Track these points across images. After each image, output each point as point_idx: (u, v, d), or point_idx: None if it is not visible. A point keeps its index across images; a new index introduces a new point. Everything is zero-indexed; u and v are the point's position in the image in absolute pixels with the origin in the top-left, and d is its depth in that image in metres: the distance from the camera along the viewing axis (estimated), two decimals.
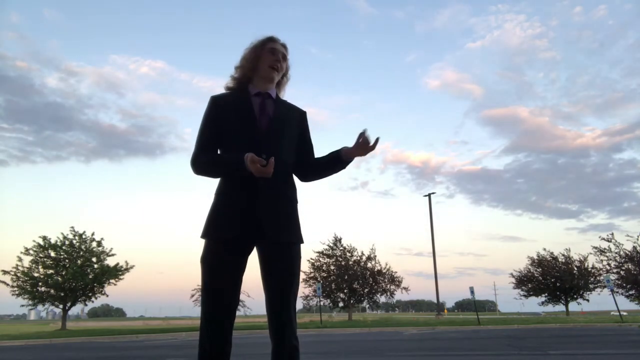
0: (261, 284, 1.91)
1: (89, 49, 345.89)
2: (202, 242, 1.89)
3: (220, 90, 2.08)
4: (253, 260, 1.95)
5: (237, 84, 2.03)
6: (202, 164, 1.91)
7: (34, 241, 23.64)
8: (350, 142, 1.98)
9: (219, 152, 1.98)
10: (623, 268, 27.91)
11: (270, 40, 2.04)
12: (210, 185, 1.98)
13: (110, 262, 25.02)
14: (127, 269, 25.29)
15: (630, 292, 27.84)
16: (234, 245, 1.82)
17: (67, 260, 23.95)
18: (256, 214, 1.81)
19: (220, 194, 1.90)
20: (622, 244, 28.53)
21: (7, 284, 22.71)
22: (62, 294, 23.45)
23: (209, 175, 1.94)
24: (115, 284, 24.95)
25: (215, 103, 1.97)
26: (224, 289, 1.79)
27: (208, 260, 1.82)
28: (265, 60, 1.99)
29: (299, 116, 2.08)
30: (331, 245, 30.99)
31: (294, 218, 1.93)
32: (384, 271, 30.20)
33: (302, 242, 1.94)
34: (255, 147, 1.83)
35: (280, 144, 1.93)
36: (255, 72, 2.01)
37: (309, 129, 2.13)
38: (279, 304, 1.84)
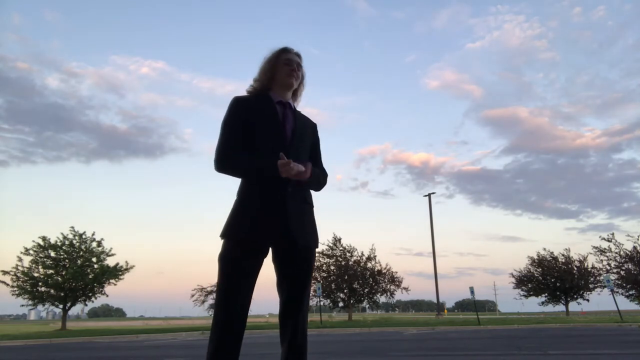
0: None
1: (90, 49, 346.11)
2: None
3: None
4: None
5: (258, 91, 2.09)
6: (231, 164, 1.90)
7: (33, 241, 23.65)
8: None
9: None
10: (623, 268, 27.90)
11: (284, 51, 2.11)
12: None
13: (110, 262, 25.04)
14: (127, 269, 25.29)
15: (630, 292, 27.84)
16: (256, 246, 1.84)
17: (67, 260, 23.93)
18: (285, 217, 1.85)
19: (245, 194, 1.92)
20: (622, 244, 28.54)
21: (7, 284, 22.71)
22: (62, 294, 23.43)
23: (236, 174, 1.95)
24: (115, 284, 24.94)
25: (239, 104, 2.01)
26: (241, 290, 1.81)
27: (228, 260, 1.82)
28: (282, 71, 2.06)
29: (312, 129, 2.16)
30: (331, 245, 31.00)
31: (314, 223, 2.01)
32: (384, 271, 30.20)
33: (317, 246, 2.00)
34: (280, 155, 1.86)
35: (300, 155, 2.00)
36: (273, 81, 2.07)
37: (319, 140, 2.20)
38: (296, 307, 1.88)
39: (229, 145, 1.93)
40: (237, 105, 1.99)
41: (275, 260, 1.93)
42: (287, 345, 1.83)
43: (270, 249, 1.92)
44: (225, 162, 1.91)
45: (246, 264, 1.82)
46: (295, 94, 2.17)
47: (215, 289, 2.10)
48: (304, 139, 2.06)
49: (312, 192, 2.09)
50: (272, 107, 2.02)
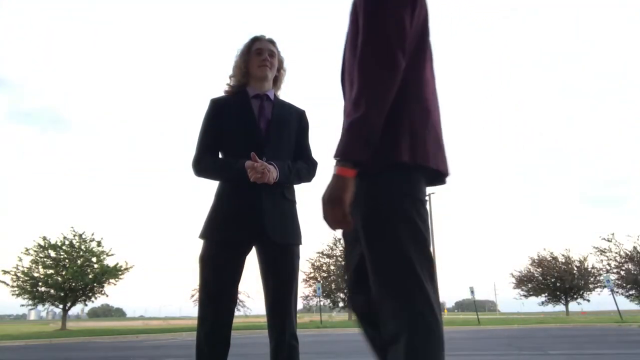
0: (261, 284, 1.92)
1: None
2: (201, 241, 1.90)
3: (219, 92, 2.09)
4: (253, 261, 1.96)
5: (235, 88, 2.05)
6: (204, 167, 1.94)
7: (34, 241, 23.64)
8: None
9: (220, 155, 2.00)
10: (623, 268, 27.89)
11: (255, 40, 2.03)
12: (211, 186, 1.99)
13: (110, 262, 25.01)
14: (127, 269, 25.26)
15: (630, 292, 27.82)
16: (234, 245, 1.84)
17: (67, 260, 23.89)
18: (260, 216, 1.83)
19: (221, 195, 1.92)
20: (622, 244, 28.51)
21: (7, 284, 22.70)
22: (62, 294, 23.40)
23: (211, 179, 1.96)
24: (115, 284, 24.93)
25: (215, 105, 1.99)
26: (223, 289, 1.81)
27: (207, 260, 1.84)
28: (254, 63, 1.99)
29: (298, 116, 2.08)
30: (331, 245, 30.99)
31: (295, 220, 1.96)
32: None
33: (301, 243, 1.96)
34: (255, 151, 1.84)
35: (280, 147, 1.95)
36: (248, 76, 2.02)
37: (308, 127, 2.12)
38: (278, 305, 1.85)
39: (202, 151, 1.96)
40: (213, 108, 1.99)
41: (257, 259, 1.92)
42: (276, 345, 1.82)
43: (253, 247, 1.91)
44: (197, 169, 1.95)
45: (226, 263, 1.82)
46: (276, 83, 2.09)
47: None
48: (284, 129, 1.99)
49: (296, 187, 2.03)
50: (247, 103, 1.97)
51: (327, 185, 1.14)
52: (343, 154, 1.12)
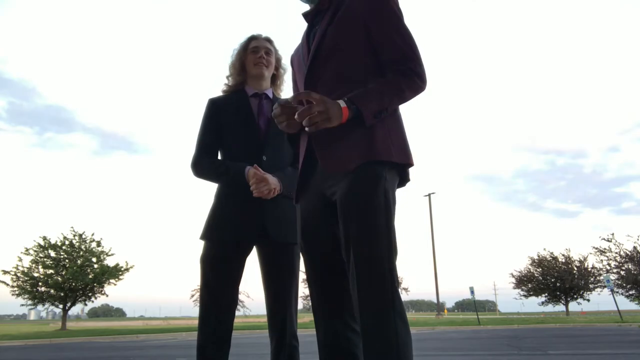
0: (261, 284, 1.92)
1: None
2: (201, 242, 1.90)
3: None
4: (254, 261, 1.96)
5: (233, 88, 2.05)
6: (202, 169, 1.93)
7: (34, 241, 23.65)
8: None
9: (219, 155, 2.00)
10: (623, 268, 27.86)
11: (251, 39, 2.03)
12: (211, 186, 1.98)
13: (110, 262, 25.01)
14: (127, 269, 25.27)
15: (630, 292, 27.82)
16: (235, 246, 1.84)
17: (67, 260, 23.90)
18: (261, 215, 1.83)
19: (221, 195, 1.91)
20: (622, 244, 28.49)
21: (7, 284, 22.70)
22: (62, 294, 23.41)
23: (210, 181, 1.96)
24: (115, 284, 24.92)
25: (214, 105, 1.99)
26: (224, 289, 1.82)
27: (208, 261, 1.84)
28: (250, 62, 1.99)
29: None
30: None
31: (295, 219, 1.95)
32: None
33: None
34: (256, 150, 1.85)
35: (280, 146, 1.94)
36: (246, 74, 2.02)
37: None
38: (279, 305, 1.85)
39: (200, 152, 1.96)
40: (211, 108, 1.98)
41: (258, 258, 1.93)
42: (276, 345, 1.82)
43: (254, 247, 1.91)
44: (196, 170, 1.94)
45: (227, 264, 1.83)
46: (275, 81, 2.08)
47: None
48: None
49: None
50: (245, 101, 1.97)
51: (328, 102, 1.19)
52: (358, 101, 1.21)
